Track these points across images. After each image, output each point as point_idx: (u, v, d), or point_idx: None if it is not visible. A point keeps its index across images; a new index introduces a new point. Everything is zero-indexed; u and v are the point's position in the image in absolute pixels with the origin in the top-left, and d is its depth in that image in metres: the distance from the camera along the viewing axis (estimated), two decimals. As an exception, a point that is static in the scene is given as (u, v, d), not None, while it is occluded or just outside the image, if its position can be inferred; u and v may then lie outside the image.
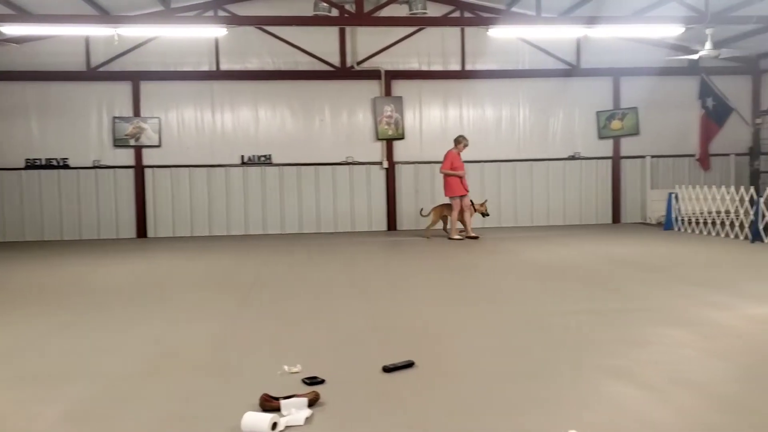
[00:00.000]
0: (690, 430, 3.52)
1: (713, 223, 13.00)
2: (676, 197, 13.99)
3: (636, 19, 12.58)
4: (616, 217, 15.95)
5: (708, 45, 12.14)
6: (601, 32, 12.69)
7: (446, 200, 13.57)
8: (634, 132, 15.85)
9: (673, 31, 12.16)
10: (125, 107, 14.90)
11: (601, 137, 15.86)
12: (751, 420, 3.63)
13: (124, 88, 14.84)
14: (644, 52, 15.09)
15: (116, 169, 14.94)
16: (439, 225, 13.65)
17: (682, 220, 13.80)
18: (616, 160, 15.92)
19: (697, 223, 13.45)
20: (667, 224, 14.16)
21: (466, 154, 14.31)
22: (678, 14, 11.84)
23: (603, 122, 15.82)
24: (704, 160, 15.91)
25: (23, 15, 11.81)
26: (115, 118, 14.87)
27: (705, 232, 12.99)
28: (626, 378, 4.33)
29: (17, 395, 4.29)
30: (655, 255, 10.45)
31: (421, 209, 14.18)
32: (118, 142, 14.88)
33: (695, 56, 12.81)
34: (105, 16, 12.68)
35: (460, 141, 13.39)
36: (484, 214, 13.84)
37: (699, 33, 12.33)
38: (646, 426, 3.56)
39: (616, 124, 15.82)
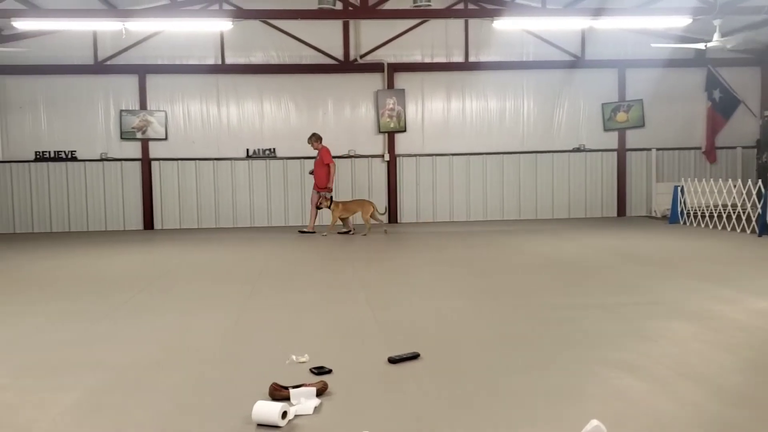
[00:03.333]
0: (696, 422, 3.55)
1: (719, 217, 12.98)
2: (682, 190, 13.96)
3: (642, 10, 12.54)
4: (621, 210, 15.94)
5: (716, 36, 12.10)
6: (606, 24, 12.67)
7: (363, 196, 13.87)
8: (640, 124, 15.82)
9: (680, 22, 12.12)
10: (132, 100, 14.97)
11: (606, 129, 15.84)
12: (754, 412, 3.65)
13: (131, 82, 14.90)
14: (650, 43, 15.05)
15: (123, 162, 15.02)
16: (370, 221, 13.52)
17: (688, 213, 13.78)
18: (622, 152, 15.90)
19: (703, 216, 13.43)
20: (672, 217, 14.15)
21: (468, 145, 14.49)
22: (685, 5, 11.80)
23: (608, 114, 15.80)
24: (710, 152, 15.87)
25: (34, 10, 11.99)
26: (122, 111, 14.94)
27: (711, 226, 12.97)
28: (633, 371, 4.34)
29: (27, 384, 4.33)
30: (661, 249, 10.45)
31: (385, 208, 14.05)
32: (125, 135, 14.94)
33: (702, 46, 12.75)
34: (113, 10, 12.73)
35: None
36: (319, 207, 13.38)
37: (707, 24, 12.29)
38: (653, 418, 3.59)
39: (621, 116, 15.79)
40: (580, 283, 7.62)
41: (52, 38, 14.24)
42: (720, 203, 13.12)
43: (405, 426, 3.55)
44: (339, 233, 13.25)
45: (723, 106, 15.74)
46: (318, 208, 13.38)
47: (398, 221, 15.51)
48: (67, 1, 11.92)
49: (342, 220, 13.30)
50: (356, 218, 13.67)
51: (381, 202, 15.42)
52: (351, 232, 13.18)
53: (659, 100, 15.73)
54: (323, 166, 13.30)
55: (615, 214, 15.93)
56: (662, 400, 3.84)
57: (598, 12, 11.82)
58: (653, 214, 15.45)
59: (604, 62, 15.58)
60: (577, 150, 15.83)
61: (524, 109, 15.75)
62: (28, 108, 14.79)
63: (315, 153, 13.59)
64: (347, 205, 13.35)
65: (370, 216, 13.17)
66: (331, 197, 13.23)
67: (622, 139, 15.90)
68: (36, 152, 14.80)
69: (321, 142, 13.47)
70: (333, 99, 15.42)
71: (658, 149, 15.82)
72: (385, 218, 13.82)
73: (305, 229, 13.54)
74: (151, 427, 3.60)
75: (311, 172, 13.69)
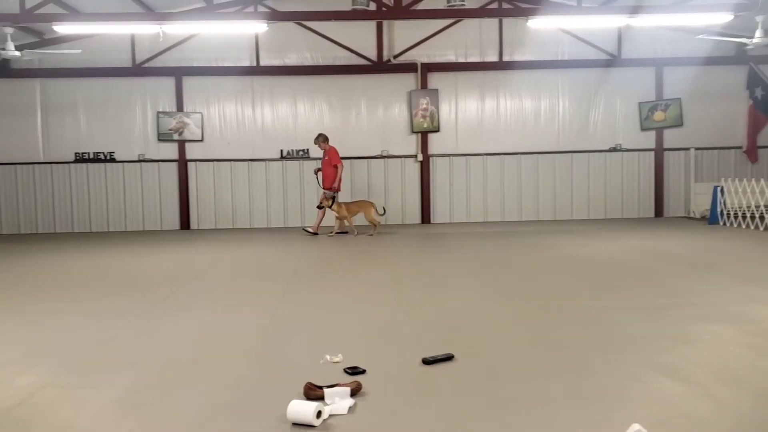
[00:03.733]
0: (735, 426, 3.48)
1: (761, 218, 12.69)
2: (722, 190, 13.68)
3: (681, 7, 12.31)
4: (659, 210, 15.69)
5: (758, 33, 11.82)
6: (643, 21, 12.46)
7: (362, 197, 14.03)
8: (678, 123, 15.56)
9: (721, 18, 11.85)
10: (169, 102, 15.19)
11: (643, 129, 15.61)
12: (800, 416, 3.56)
13: (168, 84, 15.13)
14: (689, 41, 14.78)
15: (160, 163, 15.25)
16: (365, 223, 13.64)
17: (728, 214, 13.50)
18: (659, 152, 15.65)
19: (744, 217, 13.14)
20: (712, 218, 13.88)
21: (503, 145, 14.44)
22: (726, 1, 11.54)
23: (645, 113, 15.57)
24: (752, 152, 15.54)
25: (75, 14, 12.24)
26: (159, 113, 15.17)
27: (752, 227, 12.69)
28: (672, 374, 4.27)
29: (67, 382, 4.42)
30: (700, 250, 10.26)
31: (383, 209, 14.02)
32: (162, 137, 15.17)
33: (750, 45, 12.43)
34: (150, 13, 12.95)
35: None
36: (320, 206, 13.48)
37: (749, 20, 12.01)
38: (693, 422, 3.52)
39: (659, 115, 15.54)
40: (617, 285, 7.51)
41: (91, 42, 14.51)
42: (762, 204, 12.82)
43: (439, 427, 3.54)
44: (337, 233, 13.39)
45: (765, 105, 15.38)
46: (319, 207, 13.47)
47: (431, 222, 15.48)
48: (105, 4, 12.17)
49: (338, 220, 13.41)
50: (357, 219, 13.68)
51: (414, 203, 15.46)
52: (332, 233, 13.35)
53: (698, 98, 15.44)
54: (331, 166, 13.36)
55: (652, 215, 15.69)
56: (702, 403, 3.77)
57: (635, 10, 11.64)
58: (691, 215, 15.18)
59: (641, 61, 15.35)
60: (614, 150, 15.63)
61: (559, 109, 15.60)
62: (67, 110, 15.12)
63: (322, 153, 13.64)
64: (349, 206, 13.45)
65: (369, 216, 13.30)
66: (334, 197, 13.27)
67: (659, 139, 15.65)
68: (76, 153, 15.12)
69: (328, 143, 13.51)
70: (366, 99, 15.46)
71: (696, 149, 15.54)
72: (378, 219, 13.69)
73: (331, 233, 13.50)
74: (187, 424, 3.65)
75: (316, 171, 13.71)
